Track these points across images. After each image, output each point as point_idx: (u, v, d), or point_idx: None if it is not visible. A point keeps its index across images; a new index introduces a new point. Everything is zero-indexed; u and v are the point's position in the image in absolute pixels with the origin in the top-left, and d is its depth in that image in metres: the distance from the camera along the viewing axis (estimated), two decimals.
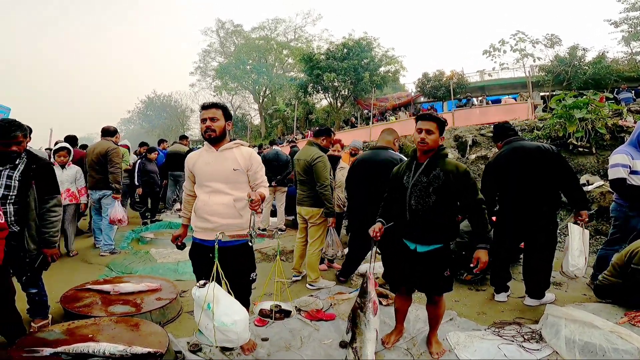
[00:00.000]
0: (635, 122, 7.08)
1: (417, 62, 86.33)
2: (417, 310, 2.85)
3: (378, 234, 2.26)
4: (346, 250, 4.07)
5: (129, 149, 6.69)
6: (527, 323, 2.73)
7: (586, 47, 17.93)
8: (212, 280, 2.02)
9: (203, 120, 2.21)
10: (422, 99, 21.97)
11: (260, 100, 28.26)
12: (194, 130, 34.90)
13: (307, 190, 3.57)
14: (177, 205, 7.53)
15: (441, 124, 2.22)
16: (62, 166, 4.32)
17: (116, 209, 4.40)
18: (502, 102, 15.96)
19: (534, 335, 2.51)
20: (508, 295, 3.26)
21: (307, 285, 3.59)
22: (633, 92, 14.54)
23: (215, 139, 2.21)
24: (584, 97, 7.68)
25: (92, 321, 2.40)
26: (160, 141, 8.83)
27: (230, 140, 2.29)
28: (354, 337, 2.15)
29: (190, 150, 6.99)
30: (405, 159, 3.27)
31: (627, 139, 3.38)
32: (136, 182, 6.29)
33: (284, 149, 10.18)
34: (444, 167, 2.18)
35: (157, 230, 6.02)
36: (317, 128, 3.83)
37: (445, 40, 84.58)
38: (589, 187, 5.82)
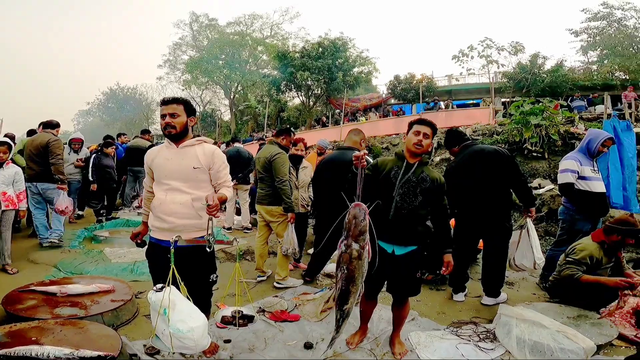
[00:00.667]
0: (585, 130, 7.63)
1: (389, 64, 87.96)
2: (381, 311, 2.88)
3: (362, 159, 1.97)
4: (310, 250, 4.06)
5: (82, 142, 6.24)
6: (483, 322, 2.84)
7: (546, 55, 18.96)
8: (168, 284, 1.93)
9: (162, 116, 2.11)
10: (392, 101, 22.42)
11: (232, 96, 27.56)
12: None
13: (266, 188, 3.54)
14: (136, 202, 7.18)
15: (435, 130, 2.32)
16: (0, 164, 3.59)
17: (61, 199, 4.31)
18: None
19: (488, 334, 2.61)
20: (465, 295, 3.37)
21: (275, 283, 3.54)
22: (585, 100, 15.61)
23: (175, 136, 2.12)
24: (541, 104, 8.17)
25: (35, 324, 2.25)
26: (119, 135, 8.33)
27: (194, 137, 2.20)
28: (347, 298, 1.85)
29: (152, 145, 6.68)
30: (371, 160, 3.30)
31: (577, 146, 3.61)
32: (90, 178, 5.89)
33: (253, 147, 10.00)
34: (429, 173, 2.30)
35: (112, 229, 5.68)
36: (279, 128, 3.85)
37: (418, 44, 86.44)
38: (540, 190, 6.19)
